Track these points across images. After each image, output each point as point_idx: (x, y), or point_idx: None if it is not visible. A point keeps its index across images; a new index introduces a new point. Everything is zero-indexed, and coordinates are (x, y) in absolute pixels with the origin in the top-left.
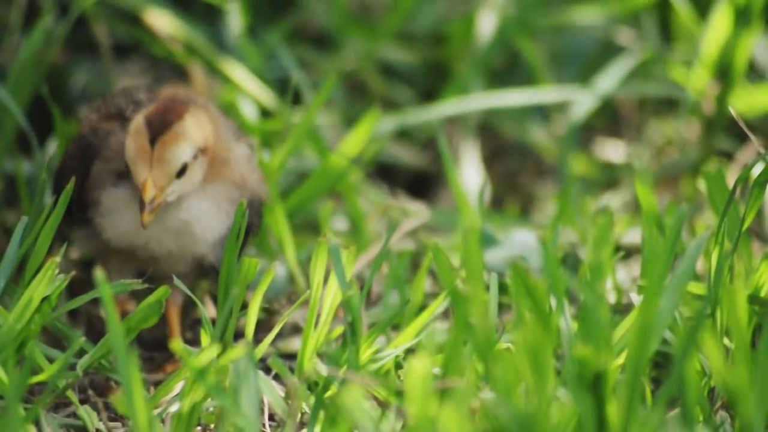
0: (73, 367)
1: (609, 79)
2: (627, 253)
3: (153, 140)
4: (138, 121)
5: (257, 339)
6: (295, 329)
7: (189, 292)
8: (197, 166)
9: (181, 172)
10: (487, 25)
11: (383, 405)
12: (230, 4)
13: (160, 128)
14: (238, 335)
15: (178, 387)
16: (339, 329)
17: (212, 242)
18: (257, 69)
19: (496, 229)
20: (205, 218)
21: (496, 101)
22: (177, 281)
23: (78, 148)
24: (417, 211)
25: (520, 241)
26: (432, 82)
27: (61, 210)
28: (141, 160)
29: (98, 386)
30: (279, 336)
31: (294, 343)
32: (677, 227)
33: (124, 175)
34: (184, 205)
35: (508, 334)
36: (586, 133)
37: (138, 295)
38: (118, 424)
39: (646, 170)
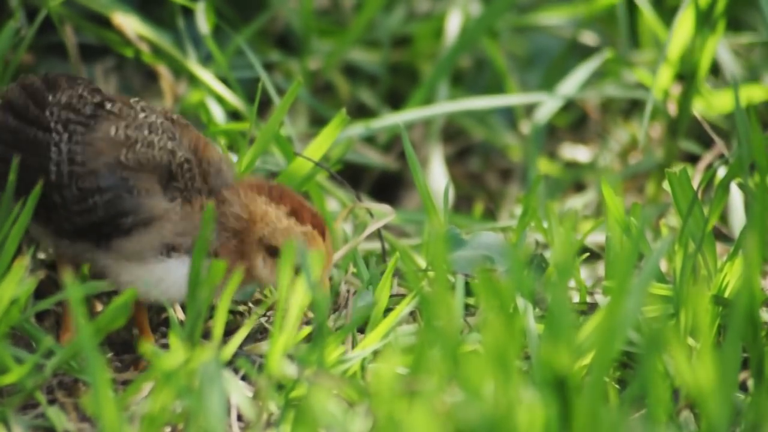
0: (41, 368)
1: (574, 81)
2: (592, 254)
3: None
4: (307, 229)
5: (225, 341)
6: (263, 332)
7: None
8: None
9: None
10: (453, 26)
11: (351, 406)
12: (197, 5)
13: (323, 229)
14: (206, 337)
15: (146, 388)
16: (306, 330)
17: None
18: (224, 71)
19: (462, 229)
20: None
21: (462, 106)
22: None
23: (93, 181)
24: (383, 212)
25: (486, 242)
26: (398, 83)
27: (29, 212)
28: (322, 264)
29: (67, 387)
30: (247, 338)
31: (262, 346)
32: (641, 228)
33: (173, 249)
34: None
35: (474, 335)
36: (552, 134)
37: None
38: (87, 425)
39: (611, 171)
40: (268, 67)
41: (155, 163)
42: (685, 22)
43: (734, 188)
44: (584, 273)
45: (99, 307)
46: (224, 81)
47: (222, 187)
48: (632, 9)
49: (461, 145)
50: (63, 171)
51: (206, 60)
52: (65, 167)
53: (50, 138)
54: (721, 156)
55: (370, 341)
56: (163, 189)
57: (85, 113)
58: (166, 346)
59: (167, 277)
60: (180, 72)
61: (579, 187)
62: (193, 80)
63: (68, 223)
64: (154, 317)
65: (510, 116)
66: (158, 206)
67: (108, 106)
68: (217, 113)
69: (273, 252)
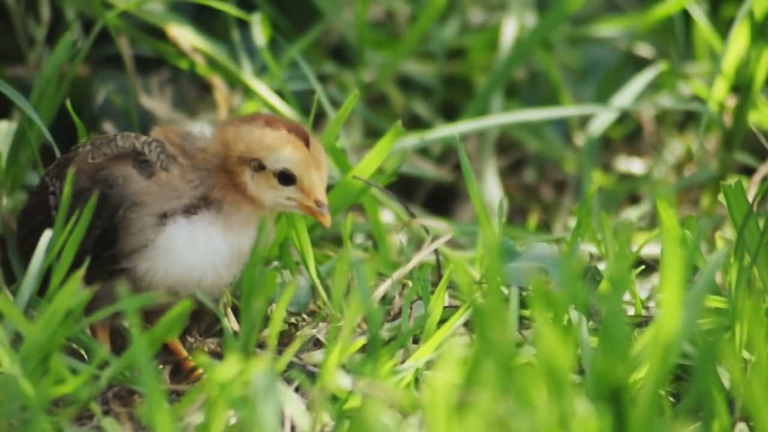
0: (96, 379)
1: (629, 93)
2: (646, 266)
3: (306, 145)
4: (282, 133)
5: (279, 352)
6: (316, 343)
7: (211, 306)
8: None
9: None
10: (507, 38)
11: (405, 417)
12: (252, 17)
13: (305, 134)
14: (259, 348)
15: (201, 399)
16: (360, 342)
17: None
18: (279, 82)
19: (516, 241)
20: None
21: (516, 117)
22: (199, 293)
23: (75, 202)
24: (439, 227)
25: (540, 254)
26: (452, 95)
27: (84, 225)
28: (308, 166)
29: (122, 398)
30: (299, 350)
31: (315, 356)
32: (696, 241)
33: (170, 214)
34: (249, 228)
35: (529, 347)
36: (607, 146)
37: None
38: None
39: (666, 183)
40: (322, 78)
41: (120, 151)
42: (740, 33)
43: None
44: (639, 285)
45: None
46: (279, 93)
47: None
48: (687, 21)
49: (515, 157)
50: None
51: (261, 72)
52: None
53: (46, 194)
54: None
55: (424, 352)
56: (137, 169)
57: (69, 157)
58: (218, 355)
59: (171, 243)
60: (235, 84)
61: (633, 200)
62: (248, 92)
63: (87, 253)
64: (207, 328)
65: (564, 128)
66: (137, 187)
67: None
68: None
69: (257, 166)
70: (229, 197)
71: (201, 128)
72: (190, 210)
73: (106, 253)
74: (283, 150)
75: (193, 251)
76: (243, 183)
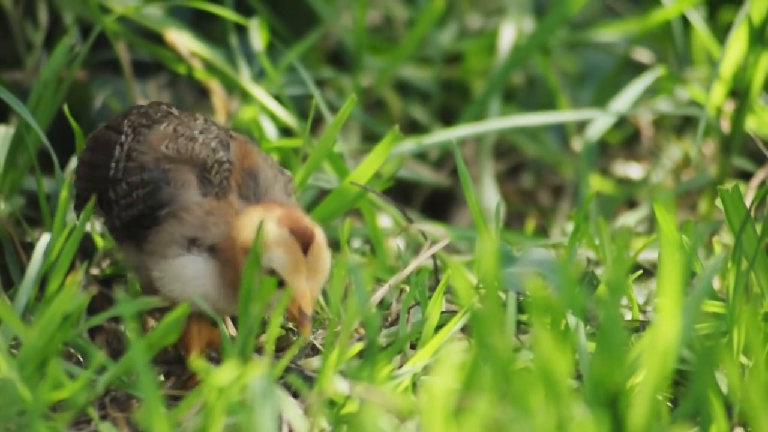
0: (93, 383)
1: (626, 98)
2: (644, 271)
3: (305, 251)
4: (283, 233)
5: (276, 358)
6: (313, 348)
7: (209, 311)
8: None
9: None
10: (505, 43)
11: (402, 422)
12: (250, 22)
13: (306, 239)
14: (258, 353)
15: (198, 403)
16: (357, 347)
17: None
18: (277, 87)
19: (513, 246)
20: None
21: (514, 122)
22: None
23: (139, 174)
24: (436, 232)
25: (537, 258)
26: (449, 100)
27: (82, 228)
28: (298, 272)
29: (119, 402)
30: (297, 354)
31: (312, 362)
32: (694, 246)
33: (195, 243)
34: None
35: (526, 352)
36: (604, 151)
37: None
38: None
39: (664, 188)
40: (320, 83)
41: (194, 156)
42: (738, 38)
43: None
44: (636, 290)
45: (151, 322)
46: (277, 97)
47: (258, 197)
48: (685, 26)
49: (513, 161)
50: (120, 167)
51: (259, 76)
52: (122, 164)
53: (118, 139)
54: None
55: (421, 357)
56: (199, 182)
57: (153, 118)
58: (216, 361)
59: (183, 273)
60: (232, 88)
61: (631, 204)
62: (246, 97)
63: (117, 219)
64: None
65: (562, 133)
66: (190, 199)
67: (175, 112)
68: (270, 130)
69: None
70: (223, 261)
71: (265, 177)
72: (214, 248)
73: (138, 233)
74: (275, 251)
75: (200, 287)
76: (239, 268)
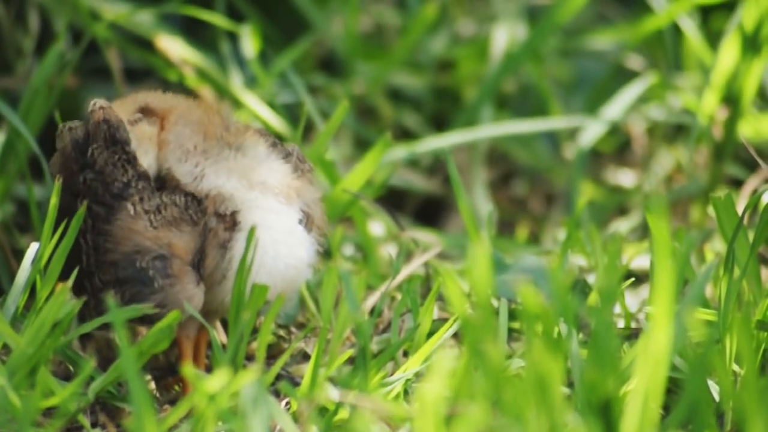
0: (84, 391)
1: (618, 105)
2: (636, 278)
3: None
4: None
5: (267, 365)
6: (305, 356)
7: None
8: None
9: None
10: (497, 50)
11: (394, 429)
12: (241, 28)
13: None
14: (249, 360)
15: (189, 411)
16: (348, 353)
17: None
18: (268, 94)
19: (505, 254)
20: None
21: (506, 129)
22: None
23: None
24: (427, 239)
25: (529, 266)
26: (441, 107)
27: (73, 234)
28: None
29: (110, 410)
30: (289, 362)
31: (304, 369)
32: (686, 253)
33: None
34: None
35: (518, 359)
36: (596, 158)
37: None
38: None
39: (657, 196)
40: (312, 90)
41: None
42: (730, 46)
43: None
44: (629, 298)
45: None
46: (268, 104)
47: None
48: (677, 33)
49: (505, 169)
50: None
51: (250, 83)
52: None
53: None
54: (767, 180)
55: (413, 364)
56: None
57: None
58: (208, 369)
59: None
60: (224, 95)
61: (623, 212)
62: (237, 103)
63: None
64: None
65: (554, 140)
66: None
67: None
68: None
69: None
70: None
71: None
72: None
73: None
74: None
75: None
76: None
